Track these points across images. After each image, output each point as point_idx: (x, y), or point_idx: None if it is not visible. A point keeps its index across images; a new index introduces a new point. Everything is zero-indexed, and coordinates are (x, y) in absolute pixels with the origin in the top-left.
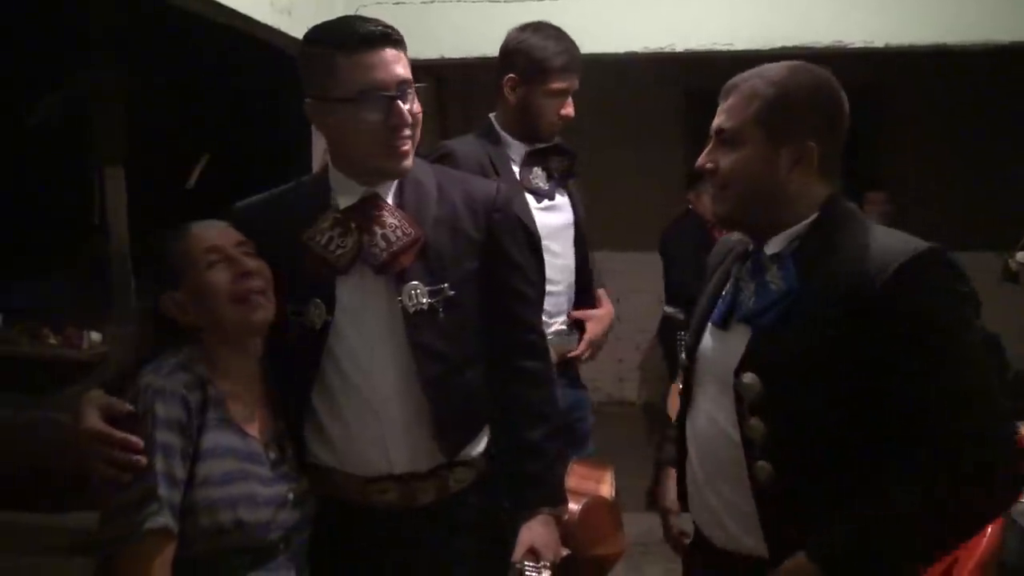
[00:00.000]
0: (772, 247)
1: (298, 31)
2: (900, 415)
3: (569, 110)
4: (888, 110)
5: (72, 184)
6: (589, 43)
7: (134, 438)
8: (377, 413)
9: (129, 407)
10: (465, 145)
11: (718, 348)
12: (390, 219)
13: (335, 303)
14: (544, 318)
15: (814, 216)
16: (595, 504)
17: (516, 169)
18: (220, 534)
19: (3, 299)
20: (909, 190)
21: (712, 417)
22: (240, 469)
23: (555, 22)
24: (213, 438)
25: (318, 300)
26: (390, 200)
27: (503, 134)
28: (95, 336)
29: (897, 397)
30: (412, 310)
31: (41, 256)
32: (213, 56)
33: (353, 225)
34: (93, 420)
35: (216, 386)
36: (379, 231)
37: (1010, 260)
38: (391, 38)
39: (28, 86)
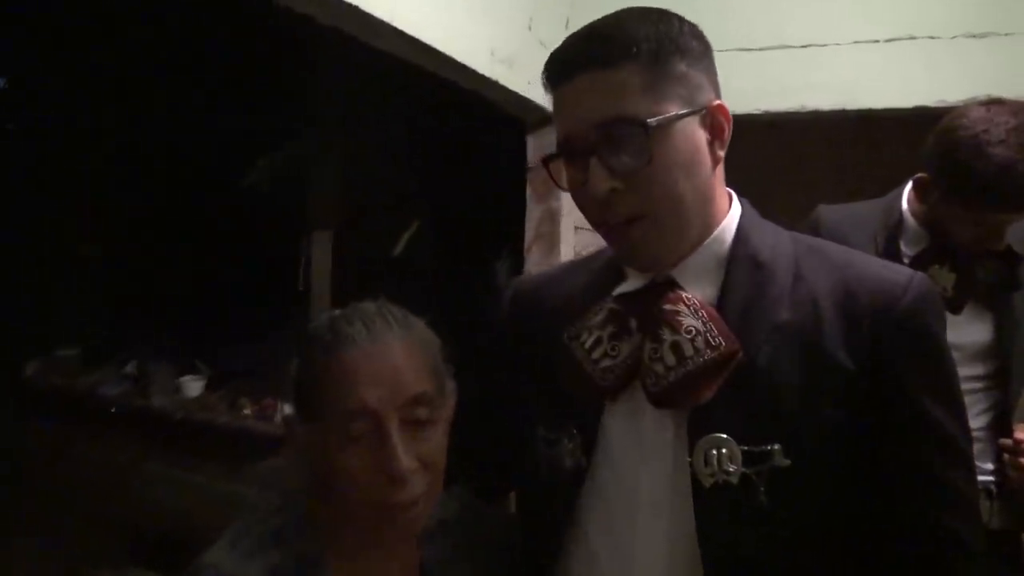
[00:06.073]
0: None
1: (518, 84)
2: None
3: None
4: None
5: (282, 248)
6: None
7: None
8: None
9: None
10: (841, 213)
11: None
12: (690, 320)
13: (597, 440)
14: None
15: None
16: None
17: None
18: None
19: (209, 361)
20: None
21: None
22: None
23: None
24: None
25: (574, 431)
26: (701, 291)
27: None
28: (289, 409)
29: None
30: (710, 482)
31: (246, 321)
32: (429, 116)
33: (633, 324)
34: None
35: (333, 568)
36: (669, 338)
37: None
38: (583, 59)
39: (246, 149)
